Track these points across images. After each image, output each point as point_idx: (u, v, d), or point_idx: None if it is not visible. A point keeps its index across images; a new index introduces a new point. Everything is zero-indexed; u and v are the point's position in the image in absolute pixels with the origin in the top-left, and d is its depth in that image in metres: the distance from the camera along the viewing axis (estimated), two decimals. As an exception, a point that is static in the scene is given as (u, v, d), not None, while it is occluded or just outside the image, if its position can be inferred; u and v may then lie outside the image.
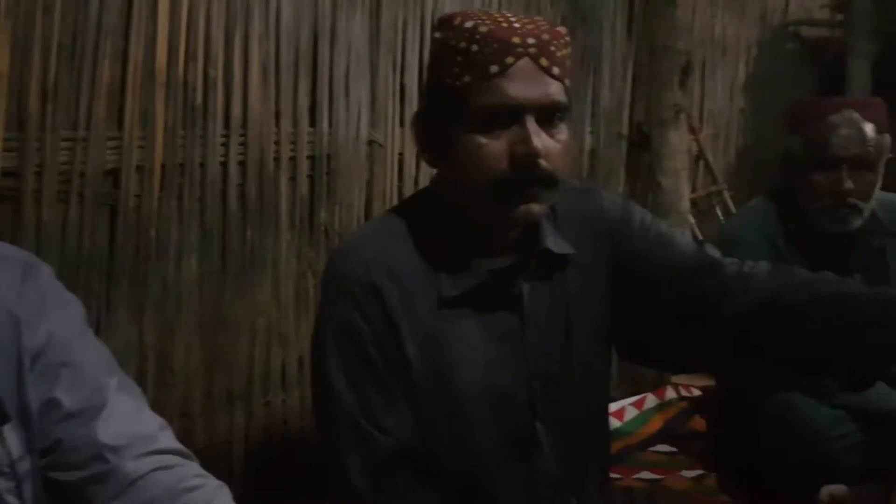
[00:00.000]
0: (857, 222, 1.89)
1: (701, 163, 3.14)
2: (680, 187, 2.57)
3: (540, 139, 1.08)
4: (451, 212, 1.16)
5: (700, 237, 2.72)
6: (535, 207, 1.10)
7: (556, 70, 1.10)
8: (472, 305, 1.14)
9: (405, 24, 2.20)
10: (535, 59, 1.08)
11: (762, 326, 1.11)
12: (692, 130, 2.97)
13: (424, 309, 1.12)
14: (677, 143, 2.57)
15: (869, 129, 1.86)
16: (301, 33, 2.00)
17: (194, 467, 0.93)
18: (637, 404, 2.47)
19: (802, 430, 1.75)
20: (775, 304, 1.11)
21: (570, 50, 1.15)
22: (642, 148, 2.81)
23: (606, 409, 1.34)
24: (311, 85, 2.03)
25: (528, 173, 1.08)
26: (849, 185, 1.84)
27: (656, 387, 2.57)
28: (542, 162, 1.08)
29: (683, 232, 2.56)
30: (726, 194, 3.11)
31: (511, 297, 1.16)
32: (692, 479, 2.07)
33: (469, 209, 1.13)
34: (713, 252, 1.25)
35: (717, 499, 1.95)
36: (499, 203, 1.09)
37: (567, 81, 1.13)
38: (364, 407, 1.10)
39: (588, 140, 2.69)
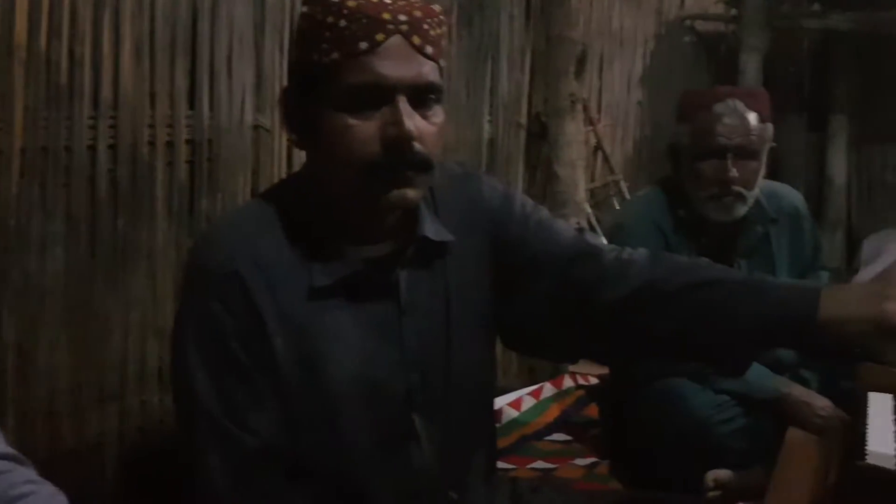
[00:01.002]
0: (742, 210, 1.93)
1: (599, 153, 3.17)
2: (576, 177, 2.58)
3: (413, 121, 1.03)
4: (322, 197, 1.10)
5: (597, 227, 2.74)
6: (410, 193, 1.06)
7: (429, 49, 1.05)
8: (346, 295, 1.09)
9: (292, 3, 2.12)
10: (407, 36, 1.03)
11: (638, 312, 1.11)
12: (590, 121, 2.99)
13: (293, 300, 1.06)
14: (573, 134, 2.58)
15: (752, 118, 1.90)
16: (178, 10, 1.90)
17: (26, 473, 0.85)
18: (534, 394, 2.46)
19: (687, 415, 1.78)
20: (651, 290, 1.11)
21: (444, 29, 1.10)
22: (541, 138, 2.81)
23: (491, 399, 1.32)
24: (190, 65, 1.92)
25: (400, 157, 1.03)
26: (733, 173, 1.87)
27: (554, 376, 2.57)
28: (417, 145, 1.03)
29: (579, 221, 2.58)
30: (623, 184, 3.15)
31: (387, 286, 1.12)
32: (585, 466, 2.07)
33: (340, 194, 1.08)
34: (593, 240, 1.24)
35: (609, 486, 1.97)
36: (371, 188, 1.04)
37: (442, 62, 1.09)
38: (227, 405, 1.03)
39: (486, 129, 2.67)
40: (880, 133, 4.14)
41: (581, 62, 2.51)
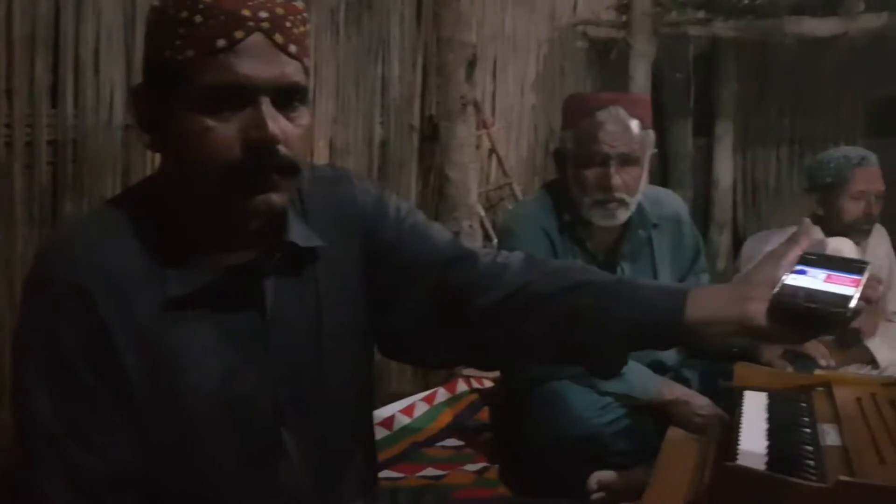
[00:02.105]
0: (625, 215, 1.96)
1: (493, 156, 3.18)
2: (468, 180, 2.57)
3: (277, 123, 0.98)
4: (179, 202, 1.03)
5: (490, 230, 2.74)
6: (276, 197, 1.00)
7: (292, 48, 1.00)
8: (206, 306, 1.03)
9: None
10: (268, 34, 0.98)
11: (513, 316, 1.10)
12: (483, 124, 3.00)
13: (146, 312, 0.99)
14: (465, 137, 2.57)
15: (634, 125, 1.94)
16: (38, 2, 1.78)
17: None
18: (428, 399, 2.44)
19: (571, 417, 1.80)
20: (525, 293, 1.10)
21: (308, 27, 1.06)
22: (434, 140, 2.79)
23: (369, 410, 1.28)
24: (53, 61, 1.81)
25: (264, 161, 0.98)
26: (616, 180, 1.90)
27: (448, 380, 2.56)
28: (282, 148, 0.99)
29: (471, 225, 2.57)
30: (516, 188, 3.17)
31: (251, 295, 1.06)
32: (475, 472, 2.06)
33: (199, 200, 1.01)
34: (468, 244, 1.22)
35: (497, 490, 1.96)
36: (233, 193, 0.98)
37: (307, 61, 1.04)
38: (70, 426, 0.96)
39: (378, 131, 2.63)
40: (763, 137, 4.32)
41: (472, 65, 2.50)
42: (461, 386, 2.53)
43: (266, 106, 0.97)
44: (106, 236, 1.00)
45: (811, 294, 0.96)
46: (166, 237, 1.02)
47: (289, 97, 1.01)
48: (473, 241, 1.22)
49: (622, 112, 1.92)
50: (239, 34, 0.96)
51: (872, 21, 3.36)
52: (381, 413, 2.30)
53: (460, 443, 2.26)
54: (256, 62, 0.97)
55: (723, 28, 3.61)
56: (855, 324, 2.37)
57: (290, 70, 1.00)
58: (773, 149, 4.36)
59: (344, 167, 1.28)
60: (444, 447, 2.24)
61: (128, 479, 0.98)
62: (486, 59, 3.02)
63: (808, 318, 0.96)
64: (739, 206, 4.39)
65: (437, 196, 2.66)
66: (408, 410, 2.35)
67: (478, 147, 3.03)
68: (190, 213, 1.03)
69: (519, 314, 1.10)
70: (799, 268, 1.01)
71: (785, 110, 4.27)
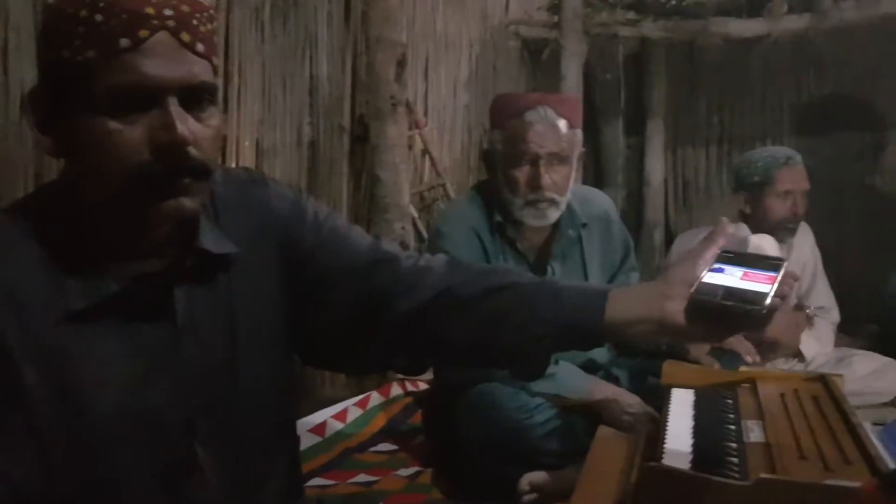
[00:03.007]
0: (556, 215, 1.97)
1: (427, 157, 3.16)
2: (400, 181, 2.55)
3: (186, 124, 0.94)
4: (83, 209, 0.98)
5: (423, 231, 2.72)
6: (187, 202, 0.96)
7: (200, 46, 0.96)
8: (112, 318, 0.98)
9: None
10: (174, 33, 0.94)
11: (436, 320, 1.09)
12: (416, 124, 2.97)
13: (48, 327, 0.94)
14: (396, 137, 2.54)
15: (563, 125, 1.94)
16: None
17: None
18: (361, 403, 2.41)
19: (502, 419, 1.79)
20: (448, 297, 1.09)
21: (215, 25, 1.02)
22: (365, 141, 2.76)
23: (291, 419, 1.24)
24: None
25: (174, 164, 0.94)
26: (546, 179, 1.91)
27: (381, 384, 2.53)
28: (192, 150, 0.94)
29: (404, 226, 2.54)
30: (449, 188, 3.16)
31: (161, 305, 1.01)
32: (407, 477, 2.04)
33: (105, 206, 0.96)
34: (390, 247, 1.19)
35: (430, 495, 1.94)
36: (141, 198, 0.94)
37: (215, 60, 1.00)
38: (-38, 448, 0.90)
39: (307, 132, 2.59)
40: (693, 136, 4.40)
41: (402, 65, 2.48)
42: (395, 389, 2.51)
43: (174, 107, 0.93)
44: (2, 246, 0.95)
45: (728, 292, 0.97)
46: (69, 246, 0.97)
47: (198, 97, 0.97)
48: (394, 245, 1.19)
49: (550, 112, 1.92)
50: (143, 33, 0.92)
51: (795, 22, 3.45)
52: (313, 419, 2.26)
53: (394, 447, 2.23)
54: (162, 62, 0.93)
55: (651, 29, 3.67)
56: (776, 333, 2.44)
57: (199, 69, 0.96)
58: (702, 147, 4.44)
59: (259, 170, 1.24)
60: (377, 452, 2.21)
61: (30, 502, 0.93)
62: (417, 59, 3.00)
63: (725, 315, 0.96)
64: (671, 204, 4.46)
65: (368, 197, 2.63)
66: (340, 416, 2.31)
67: (410, 147, 3.01)
68: (94, 221, 0.98)
69: (441, 318, 1.09)
70: (716, 266, 1.01)
71: (713, 109, 4.35)
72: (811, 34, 3.47)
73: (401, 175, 2.54)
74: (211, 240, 1.05)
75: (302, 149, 2.55)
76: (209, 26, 0.99)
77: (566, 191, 1.96)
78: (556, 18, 3.78)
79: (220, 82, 2.47)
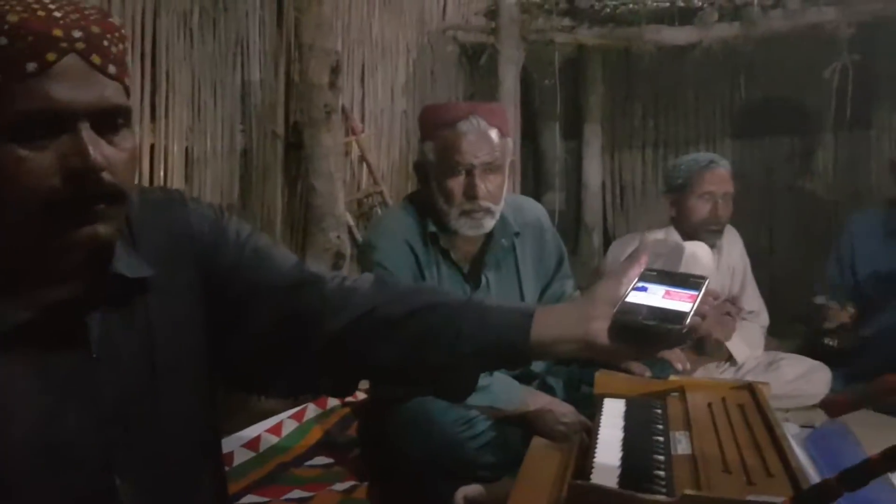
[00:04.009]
0: (491, 224, 1.97)
1: (365, 164, 3.14)
2: (335, 190, 2.52)
3: (99, 149, 0.91)
4: (-7, 236, 0.94)
5: (360, 239, 2.70)
6: (102, 228, 0.93)
7: (112, 68, 0.93)
8: (23, 347, 0.94)
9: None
10: (84, 55, 0.90)
11: (362, 341, 1.08)
12: (352, 131, 2.94)
13: (-46, 354, 0.90)
14: (331, 145, 2.51)
15: (494, 134, 1.94)
16: None
17: None
18: (297, 416, 2.37)
19: (436, 433, 1.78)
20: (374, 317, 1.08)
21: (126, 45, 0.98)
22: (300, 148, 2.72)
23: (215, 444, 1.21)
24: None
25: (88, 190, 0.90)
26: (481, 189, 1.91)
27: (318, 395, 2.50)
28: (106, 175, 0.91)
29: (339, 235, 2.51)
30: (387, 195, 3.14)
31: (76, 332, 0.98)
32: (343, 491, 2.02)
33: (15, 234, 0.93)
34: (315, 268, 1.17)
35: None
36: (54, 226, 0.91)
37: (127, 81, 0.97)
38: None
39: (240, 139, 2.53)
40: (630, 140, 4.47)
41: (335, 72, 2.45)
42: (332, 400, 2.48)
43: (86, 132, 0.90)
44: None
45: (650, 311, 0.98)
46: (-24, 273, 0.93)
47: (111, 121, 0.94)
48: (320, 265, 1.17)
49: (482, 122, 1.93)
50: (51, 56, 0.88)
51: (726, 31, 3.53)
52: (247, 434, 2.22)
53: (330, 460, 2.21)
54: (72, 85, 0.90)
55: (587, 35, 3.71)
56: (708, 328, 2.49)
57: (111, 92, 0.93)
58: (638, 151, 4.51)
59: (177, 189, 1.20)
60: (312, 466, 2.18)
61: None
62: (353, 64, 2.97)
63: (647, 335, 0.97)
64: (609, 208, 4.52)
65: (303, 207, 2.59)
66: (275, 429, 2.27)
67: (347, 154, 2.98)
68: (4, 248, 0.94)
69: (367, 338, 1.08)
70: (640, 284, 1.02)
71: (649, 114, 4.43)
72: (741, 42, 3.56)
73: (336, 184, 2.51)
74: (126, 264, 1.02)
75: (234, 157, 2.50)
76: (120, 46, 0.96)
77: (500, 200, 1.97)
78: (493, 24, 3.80)
79: (147, 90, 2.43)
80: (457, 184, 1.91)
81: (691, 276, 1.05)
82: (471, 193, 1.90)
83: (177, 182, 2.36)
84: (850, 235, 3.03)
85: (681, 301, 0.99)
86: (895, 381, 0.85)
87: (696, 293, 1.01)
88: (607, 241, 4.31)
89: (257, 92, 2.59)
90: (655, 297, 1.00)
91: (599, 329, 0.98)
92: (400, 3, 3.39)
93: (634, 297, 1.00)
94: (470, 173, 1.90)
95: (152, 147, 2.37)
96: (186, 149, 2.44)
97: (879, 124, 3.84)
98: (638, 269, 1.04)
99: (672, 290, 1.02)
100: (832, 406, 0.92)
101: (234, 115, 2.53)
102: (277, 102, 2.70)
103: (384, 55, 3.32)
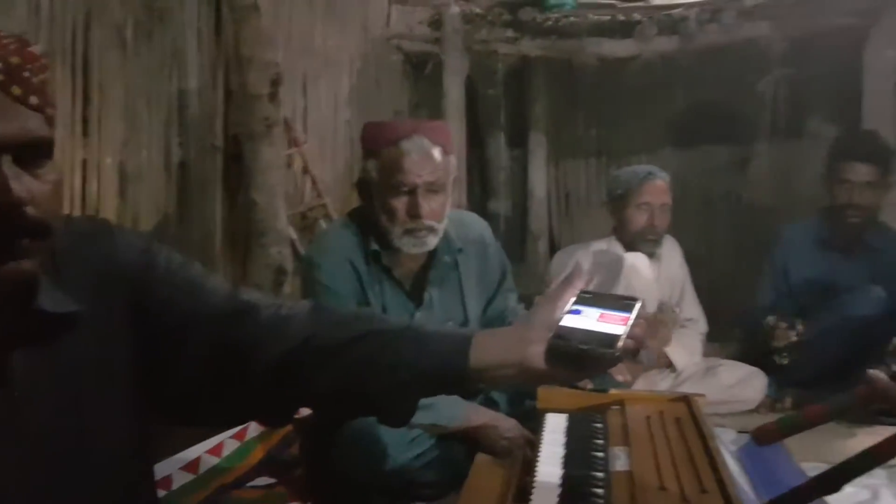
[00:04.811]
0: (434, 241, 1.97)
1: (309, 176, 3.11)
2: (276, 204, 2.48)
3: (21, 183, 0.87)
4: None
5: (302, 254, 2.67)
6: (26, 264, 0.89)
7: (33, 99, 0.90)
8: (-62, 386, 0.90)
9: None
10: (4, 87, 0.87)
11: (300, 369, 1.06)
12: (295, 142, 2.91)
13: None
14: (271, 159, 2.48)
15: (437, 152, 1.94)
16: None
17: None
18: (238, 435, 2.32)
19: (379, 453, 1.78)
20: (311, 346, 1.07)
21: (49, 74, 0.95)
22: (240, 161, 2.67)
23: (148, 479, 1.18)
24: None
25: (10, 225, 0.87)
26: (425, 208, 1.91)
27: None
28: (29, 210, 0.88)
29: (280, 251, 2.48)
30: (330, 207, 3.11)
31: (-2, 371, 0.94)
32: (285, 513, 1.99)
33: None
34: (249, 296, 1.15)
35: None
36: None
37: (50, 111, 0.94)
38: None
39: (176, 152, 2.48)
40: (574, 149, 4.52)
41: (276, 84, 2.42)
42: (275, 418, 2.43)
43: (7, 166, 0.87)
44: None
45: (585, 335, 0.99)
46: None
47: (33, 153, 0.90)
48: (255, 293, 1.15)
49: (426, 140, 1.92)
50: None
51: (664, 44, 3.61)
52: (186, 455, 2.16)
53: (273, 480, 2.17)
54: None
55: (530, 47, 3.75)
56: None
57: (33, 124, 0.89)
58: (582, 160, 4.57)
59: (103, 218, 1.17)
60: (255, 487, 2.14)
61: None
62: (295, 75, 2.93)
63: (582, 358, 0.98)
64: (554, 216, 4.56)
65: (244, 221, 2.55)
66: (215, 450, 2.22)
67: (290, 166, 2.95)
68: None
69: (305, 367, 1.06)
70: (574, 308, 1.03)
71: (592, 124, 4.48)
72: (679, 55, 3.64)
73: (277, 198, 2.48)
74: (51, 299, 0.98)
75: (171, 170, 2.44)
76: (42, 76, 0.92)
77: (443, 217, 1.97)
78: (437, 34, 3.80)
79: (79, 104, 2.36)
80: (400, 203, 1.90)
81: (624, 299, 1.06)
82: (414, 213, 1.90)
83: (110, 197, 2.29)
84: (784, 246, 3.12)
85: (614, 324, 1.01)
86: (819, 411, 0.88)
87: (628, 315, 1.02)
88: (553, 249, 4.35)
89: (195, 104, 2.54)
90: (590, 320, 1.02)
91: (536, 353, 0.99)
92: (343, 13, 3.36)
93: (570, 321, 1.01)
94: (413, 192, 1.90)
95: (84, 162, 2.31)
96: (120, 163, 2.38)
97: (812, 134, 3.95)
98: (573, 292, 1.05)
99: (606, 312, 1.03)
100: (762, 435, 0.94)
101: (171, 128, 2.48)
102: (216, 114, 2.65)
103: (327, 65, 3.29)
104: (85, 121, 2.34)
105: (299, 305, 1.14)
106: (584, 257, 2.86)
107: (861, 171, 2.86)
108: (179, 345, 1.07)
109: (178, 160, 2.52)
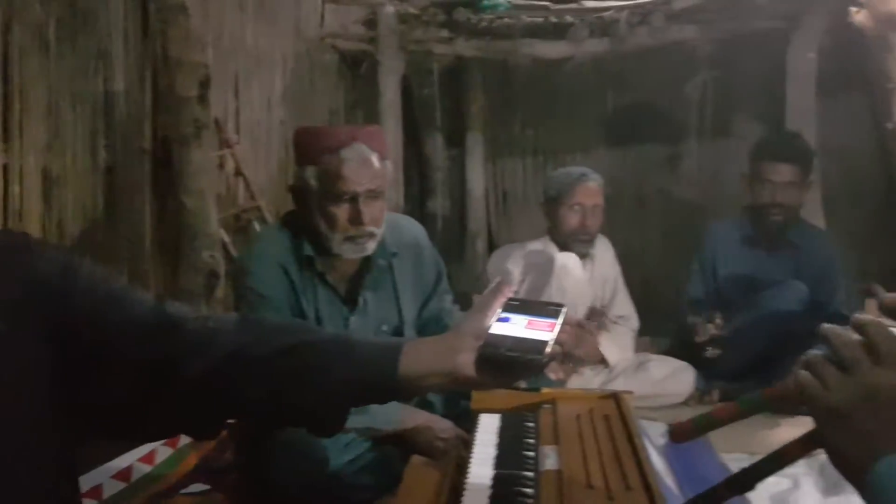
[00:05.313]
0: (373, 246, 1.97)
1: (241, 177, 3.06)
2: (207, 208, 2.45)
3: None
4: None
5: (235, 257, 2.63)
6: None
7: None
8: None
9: None
10: None
11: (228, 382, 1.05)
12: (227, 143, 2.87)
13: None
14: (202, 162, 2.44)
15: (376, 159, 1.95)
16: None
17: None
18: (171, 443, 2.28)
19: (313, 459, 1.77)
20: (239, 357, 1.06)
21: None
22: (169, 164, 2.62)
23: (73, 491, 1.16)
24: None
25: None
26: (367, 216, 1.91)
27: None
28: None
29: (213, 255, 2.45)
30: (264, 209, 3.07)
31: None
32: (219, 520, 1.97)
33: None
34: (175, 309, 1.14)
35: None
36: None
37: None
38: None
39: (103, 156, 2.42)
40: (511, 149, 4.56)
41: (205, 85, 2.38)
42: (209, 424, 2.39)
43: None
44: None
45: (513, 342, 1.01)
46: None
47: None
48: (181, 306, 1.14)
49: (365, 148, 1.93)
50: None
51: (596, 46, 3.67)
52: (117, 464, 2.12)
53: (207, 487, 2.14)
54: None
55: (465, 47, 3.77)
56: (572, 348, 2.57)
57: None
58: (519, 159, 4.61)
59: (22, 232, 1.14)
60: (188, 494, 2.11)
61: None
62: (226, 75, 2.88)
63: (511, 365, 1.00)
64: (492, 215, 4.59)
65: (174, 226, 2.50)
66: (147, 458, 2.18)
67: (222, 167, 2.90)
68: None
69: (232, 380, 1.05)
70: (503, 315, 1.05)
71: (528, 123, 4.52)
72: (611, 57, 3.70)
73: (208, 201, 2.44)
74: (-34, 317, 0.95)
75: (97, 174, 2.38)
76: None
77: (382, 222, 1.98)
78: (372, 33, 3.79)
79: (-1, 108, 2.28)
80: (341, 211, 1.90)
81: (550, 305, 1.09)
82: (356, 220, 1.91)
83: (34, 202, 2.22)
84: (711, 243, 3.21)
85: (541, 330, 1.03)
86: (729, 409, 0.92)
87: (555, 321, 1.04)
88: (492, 247, 4.38)
89: (122, 106, 2.48)
90: (518, 327, 1.04)
91: (466, 361, 1.00)
92: (274, 12, 3.32)
93: (498, 329, 1.03)
94: (354, 200, 1.90)
95: (6, 167, 2.23)
96: (44, 167, 2.31)
97: (738, 134, 4.07)
98: (501, 300, 1.07)
99: (534, 319, 1.05)
100: (677, 433, 0.98)
101: (97, 131, 2.41)
102: (144, 117, 2.59)
103: (259, 65, 3.25)
104: (5, 124, 2.26)
105: (227, 317, 1.13)
106: (518, 258, 2.90)
107: (782, 172, 2.96)
108: (102, 359, 1.05)
109: (105, 164, 2.45)
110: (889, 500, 0.69)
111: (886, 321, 0.77)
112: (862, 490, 0.72)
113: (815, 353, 0.78)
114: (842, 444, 0.76)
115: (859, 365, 0.75)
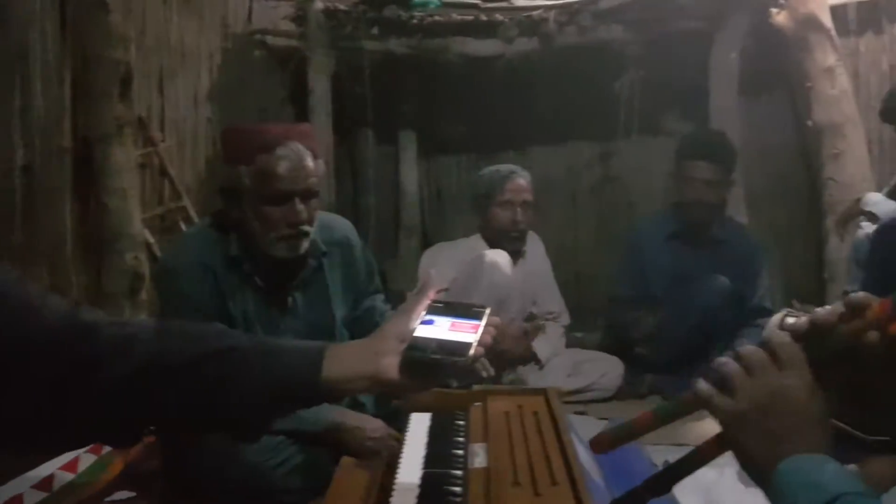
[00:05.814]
0: (306, 245, 1.94)
1: (166, 176, 2.99)
2: (129, 208, 2.38)
3: None
4: None
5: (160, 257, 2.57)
6: None
7: None
8: None
9: None
10: None
11: (146, 389, 1.03)
12: (151, 141, 2.80)
13: None
14: (123, 161, 2.37)
15: (310, 159, 1.92)
16: None
17: None
18: (94, 449, 2.21)
19: (241, 463, 1.74)
20: (157, 365, 1.03)
21: None
22: (90, 164, 2.54)
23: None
24: None
25: None
26: (303, 215, 1.88)
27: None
28: None
29: (136, 256, 2.38)
30: (190, 209, 3.01)
31: None
32: (146, 529, 1.92)
33: None
34: (89, 315, 1.10)
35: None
36: None
37: None
38: None
39: (20, 154, 2.33)
40: (444, 146, 4.56)
41: (126, 83, 2.31)
42: (135, 429, 2.33)
43: None
44: None
45: (437, 344, 1.01)
46: None
47: None
48: (96, 312, 1.10)
49: (300, 147, 1.90)
50: None
51: (525, 45, 3.71)
52: (38, 473, 2.04)
53: (132, 494, 2.09)
54: None
55: (396, 45, 3.76)
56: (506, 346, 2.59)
57: None
58: (452, 157, 4.62)
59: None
60: (114, 502, 2.05)
61: None
62: (149, 72, 2.81)
63: (435, 368, 1.00)
64: (426, 212, 4.59)
65: (96, 226, 2.42)
66: (70, 465, 2.11)
67: (146, 166, 2.83)
68: None
69: (150, 388, 1.02)
70: (427, 318, 1.05)
71: (461, 121, 4.53)
72: (540, 55, 3.74)
73: (130, 201, 2.37)
74: None
75: (14, 175, 2.30)
76: None
77: (315, 221, 1.95)
78: (301, 30, 3.74)
79: None
80: (278, 211, 1.87)
81: (474, 307, 1.09)
82: (293, 220, 1.88)
83: (-55, 205, 2.14)
84: (639, 239, 3.28)
85: (465, 332, 1.03)
86: (647, 419, 0.94)
87: (478, 323, 1.05)
88: (426, 244, 4.37)
89: (40, 105, 2.40)
90: (442, 329, 1.04)
91: (390, 365, 1.00)
92: (199, 7, 3.24)
93: (422, 331, 1.03)
94: (290, 199, 1.87)
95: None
96: (-45, 168, 2.22)
97: (667, 132, 4.16)
98: (425, 303, 1.07)
99: (457, 321, 1.05)
100: (598, 444, 1.00)
101: (13, 130, 2.32)
102: (63, 115, 2.50)
103: (184, 61, 3.17)
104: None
105: (145, 322, 1.11)
106: (449, 256, 2.91)
107: (706, 170, 3.05)
108: (13, 369, 1.02)
109: (22, 164, 2.37)
110: (793, 498, 0.72)
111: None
112: (767, 490, 0.76)
113: (721, 360, 0.82)
114: (748, 446, 0.79)
115: (764, 370, 0.79)
